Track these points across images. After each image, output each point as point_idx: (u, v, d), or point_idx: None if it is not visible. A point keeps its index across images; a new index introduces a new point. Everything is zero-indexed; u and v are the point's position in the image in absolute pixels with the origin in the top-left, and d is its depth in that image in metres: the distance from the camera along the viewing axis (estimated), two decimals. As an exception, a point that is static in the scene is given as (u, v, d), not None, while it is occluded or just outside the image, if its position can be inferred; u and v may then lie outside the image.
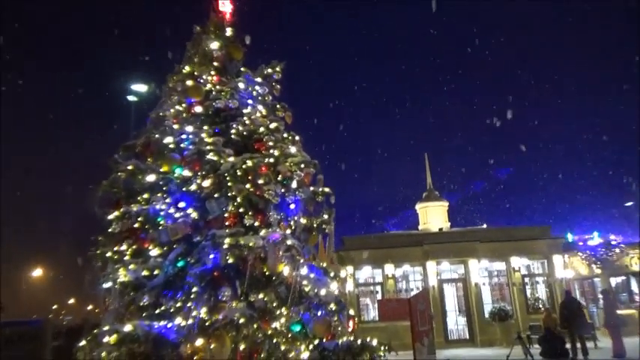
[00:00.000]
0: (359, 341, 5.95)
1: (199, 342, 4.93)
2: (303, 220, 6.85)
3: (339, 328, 6.20)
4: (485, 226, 21.57)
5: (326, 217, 7.06)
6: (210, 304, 5.26)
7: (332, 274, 6.67)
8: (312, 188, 6.75)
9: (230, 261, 5.28)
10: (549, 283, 18.45)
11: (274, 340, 5.38)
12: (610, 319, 12.25)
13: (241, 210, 5.87)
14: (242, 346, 5.07)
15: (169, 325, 5.05)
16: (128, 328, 4.67)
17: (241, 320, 4.75)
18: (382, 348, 5.94)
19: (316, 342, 5.91)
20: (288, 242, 5.41)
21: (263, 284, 5.61)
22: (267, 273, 5.63)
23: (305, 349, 5.61)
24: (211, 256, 5.29)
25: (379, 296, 18.51)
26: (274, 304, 5.58)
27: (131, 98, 15.61)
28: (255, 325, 5.05)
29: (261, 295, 5.50)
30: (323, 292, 5.94)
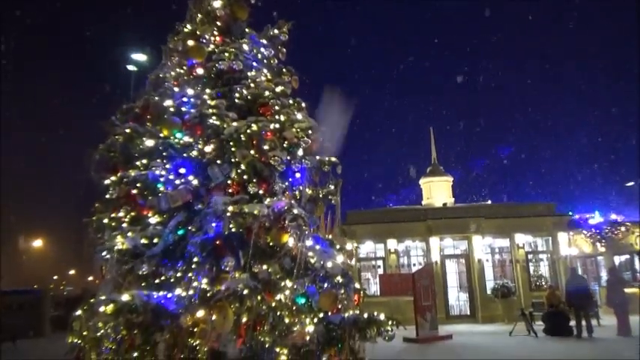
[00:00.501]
0: (365, 315, 5.74)
1: (200, 313, 4.71)
2: (308, 190, 6.60)
3: (345, 302, 6.00)
4: (489, 202, 21.34)
5: (332, 187, 6.80)
6: (211, 274, 5.02)
7: (338, 247, 6.44)
8: (317, 157, 6.47)
9: (233, 230, 5.03)
10: (553, 261, 18.31)
11: (278, 313, 5.16)
12: (616, 297, 12.10)
13: (245, 177, 5.58)
14: (245, 319, 4.85)
15: (169, 296, 4.82)
16: (126, 297, 4.44)
17: (245, 291, 4.51)
18: (390, 322, 5.73)
19: (321, 315, 5.71)
20: (295, 211, 5.13)
21: (267, 255, 5.36)
22: (271, 243, 5.37)
23: (310, 323, 5.40)
24: (213, 224, 5.01)
25: (381, 271, 18.42)
26: (278, 276, 5.35)
27: (131, 68, 15.17)
28: (259, 297, 4.81)
29: (265, 266, 5.27)
30: (329, 264, 5.68)
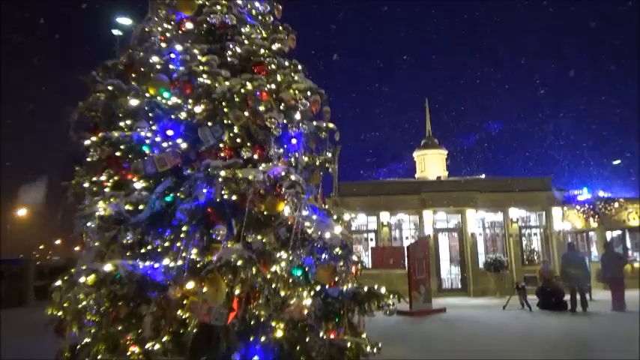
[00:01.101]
0: (365, 288, 5.45)
1: (190, 285, 4.38)
2: (304, 158, 6.25)
3: (343, 275, 5.71)
4: (483, 176, 21.11)
5: (329, 155, 6.45)
6: (202, 243, 4.67)
7: (335, 217, 6.12)
8: (315, 123, 6.09)
9: (225, 196, 4.65)
10: (546, 235, 18.23)
11: (273, 286, 4.85)
12: (612, 272, 12.00)
13: (238, 141, 5.18)
14: (238, 291, 4.51)
15: (156, 266, 4.46)
16: (108, 267, 4.07)
17: (238, 262, 4.14)
18: (391, 296, 5.45)
19: (318, 288, 5.41)
20: (292, 178, 4.75)
21: (262, 224, 5.01)
22: (265, 212, 5.01)
23: (307, 296, 5.10)
24: (204, 190, 4.62)
25: (373, 244, 18.24)
26: (274, 247, 5.02)
27: (116, 32, 14.45)
28: (253, 269, 4.46)
29: (259, 236, 4.93)
30: (327, 234, 5.33)
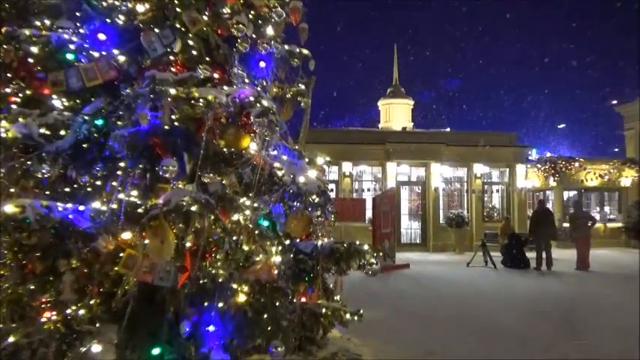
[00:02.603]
0: (345, 244, 4.60)
1: (127, 235, 3.35)
2: (274, 88, 5.22)
3: (319, 227, 4.84)
4: (448, 129, 20.52)
5: (302, 87, 5.43)
6: (144, 182, 3.60)
7: (307, 160, 5.14)
8: (287, 47, 5.00)
9: (176, 123, 3.57)
10: (508, 192, 18.03)
11: (235, 238, 3.88)
12: (582, 232, 11.81)
13: (194, 54, 4.04)
14: (189, 244, 3.51)
15: (81, 209, 3.38)
16: (10, 208, 2.99)
17: (193, 207, 3.13)
18: (374, 254, 4.62)
19: (288, 242, 4.51)
20: (264, 103, 3.70)
21: (222, 161, 3.98)
22: (227, 148, 3.98)
23: (276, 252, 4.18)
24: (148, 112, 3.49)
25: (333, 195, 17.50)
26: (236, 190, 4.03)
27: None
28: (210, 216, 3.44)
29: (218, 177, 3.93)
30: (302, 179, 4.37)
